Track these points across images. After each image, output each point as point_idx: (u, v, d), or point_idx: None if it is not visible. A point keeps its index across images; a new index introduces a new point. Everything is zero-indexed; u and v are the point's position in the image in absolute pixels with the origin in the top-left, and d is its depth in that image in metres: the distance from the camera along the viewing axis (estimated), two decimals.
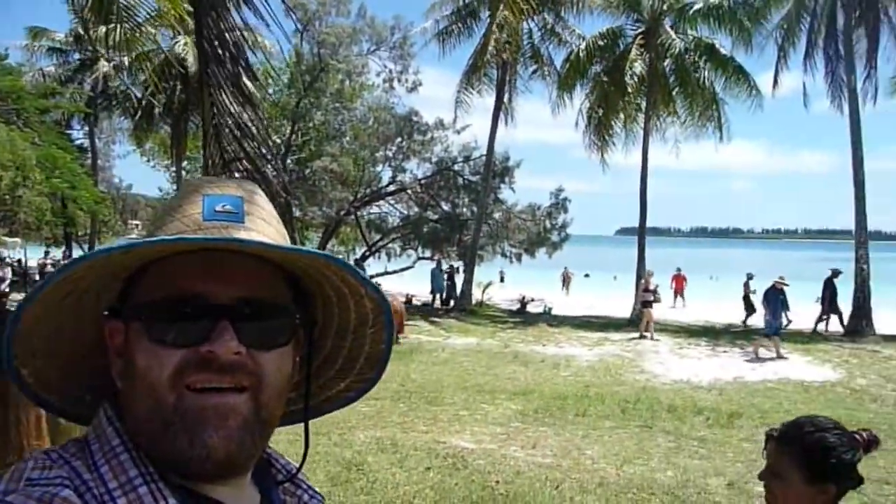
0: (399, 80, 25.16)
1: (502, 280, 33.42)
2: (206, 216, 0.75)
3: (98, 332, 0.79)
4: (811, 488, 1.79)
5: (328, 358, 0.90)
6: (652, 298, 17.72)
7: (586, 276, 42.81)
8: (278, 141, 25.64)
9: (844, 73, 19.97)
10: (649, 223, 23.17)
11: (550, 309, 23.61)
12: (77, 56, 24.58)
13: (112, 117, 27.64)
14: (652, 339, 17.14)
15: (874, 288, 19.40)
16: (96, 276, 0.73)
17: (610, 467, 6.97)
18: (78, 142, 25.92)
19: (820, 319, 19.33)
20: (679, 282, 28.19)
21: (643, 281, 18.49)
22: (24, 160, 15.03)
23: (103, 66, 23.14)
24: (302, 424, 0.90)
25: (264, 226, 0.78)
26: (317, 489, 0.92)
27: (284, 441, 1.21)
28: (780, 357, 14.60)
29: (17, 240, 26.24)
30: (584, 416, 9.22)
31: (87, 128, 26.45)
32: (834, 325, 19.16)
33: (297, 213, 26.29)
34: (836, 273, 19.44)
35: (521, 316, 22.35)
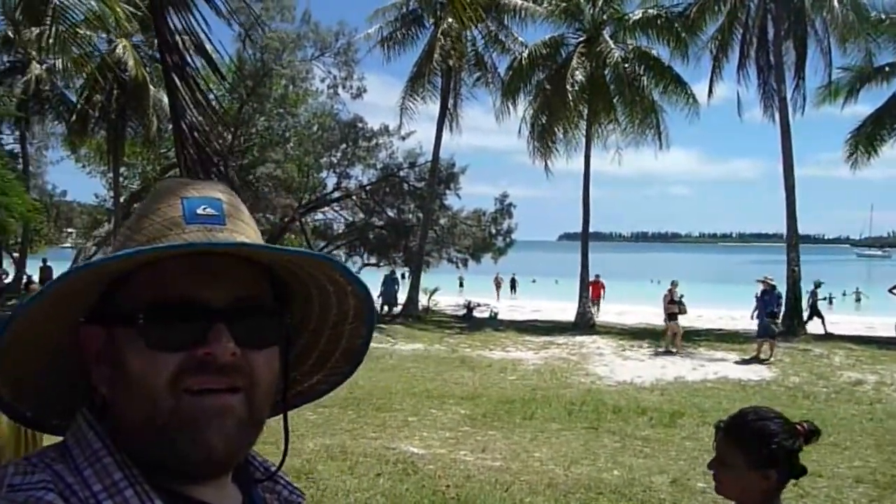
0: (343, 87, 25.01)
1: (461, 286, 33.66)
2: (188, 219, 0.75)
3: (71, 337, 0.78)
4: (754, 473, 1.90)
5: (301, 354, 0.91)
6: (677, 310, 16.48)
7: (533, 281, 43.40)
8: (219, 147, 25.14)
9: (775, 83, 20.82)
10: (591, 228, 23.60)
11: (496, 314, 23.82)
12: (6, 58, 23.60)
13: (45, 122, 26.56)
14: (679, 352, 15.92)
15: (804, 289, 20.29)
16: (82, 284, 0.73)
17: (558, 468, 7.08)
18: (9, 147, 24.90)
19: (809, 320, 20.00)
20: (596, 288, 25.35)
21: (668, 292, 16.95)
22: None
23: (35, 69, 22.27)
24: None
25: (245, 227, 0.78)
26: (296, 485, 0.92)
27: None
28: (760, 360, 14.74)
29: None
30: (531, 419, 9.33)
31: (17, 133, 25.39)
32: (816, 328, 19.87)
33: None
34: (818, 284, 20.51)
35: (468, 321, 22.46)
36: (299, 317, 0.87)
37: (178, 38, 3.90)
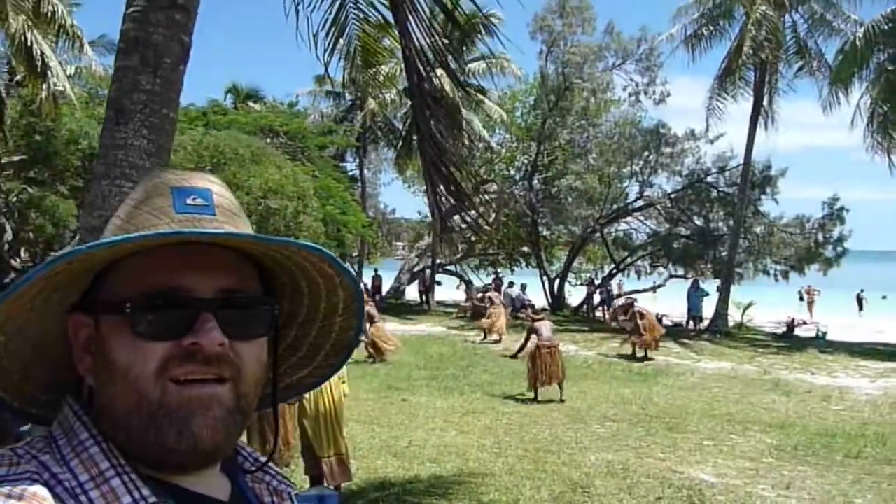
0: (645, 93, 24.33)
1: (801, 299, 30.37)
2: (178, 209, 0.75)
3: (59, 328, 0.78)
4: None
5: (291, 346, 0.90)
6: None
7: (883, 297, 37.17)
8: (525, 161, 26.25)
9: None
10: None
11: (825, 333, 20.86)
12: (349, 97, 27.62)
13: (378, 149, 30.47)
14: None
15: None
16: (71, 273, 0.72)
17: None
18: (350, 172, 28.99)
19: None
20: None
21: None
22: (305, 191, 17.28)
23: (370, 104, 25.71)
24: None
25: (234, 218, 0.78)
26: (284, 478, 0.88)
27: None
28: None
29: None
30: (856, 458, 7.96)
31: (357, 160, 29.50)
32: None
33: (545, 232, 26.57)
34: None
35: (788, 340, 20.03)
36: (289, 309, 0.86)
37: (422, 64, 4.15)
